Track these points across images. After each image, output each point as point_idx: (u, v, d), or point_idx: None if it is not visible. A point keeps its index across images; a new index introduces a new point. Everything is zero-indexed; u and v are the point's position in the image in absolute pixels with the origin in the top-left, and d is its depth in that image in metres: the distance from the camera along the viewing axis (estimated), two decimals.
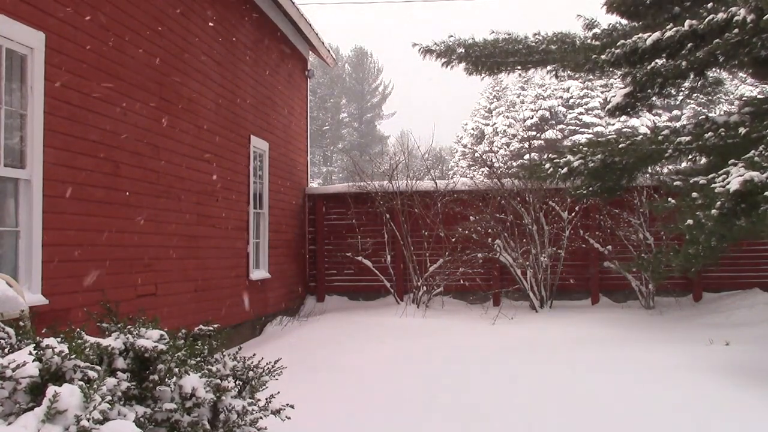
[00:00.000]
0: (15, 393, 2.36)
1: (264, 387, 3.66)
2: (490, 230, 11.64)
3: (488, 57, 10.48)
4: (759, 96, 10.83)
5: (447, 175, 14.22)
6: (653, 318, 10.37)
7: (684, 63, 8.69)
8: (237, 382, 3.40)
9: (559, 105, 38.20)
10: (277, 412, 3.41)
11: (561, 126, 36.60)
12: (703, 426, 4.94)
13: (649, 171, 10.52)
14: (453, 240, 11.74)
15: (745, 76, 12.44)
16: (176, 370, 2.95)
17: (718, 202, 6.54)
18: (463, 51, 10.54)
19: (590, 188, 10.00)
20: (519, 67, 10.93)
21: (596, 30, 10.19)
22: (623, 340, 8.48)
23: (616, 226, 11.54)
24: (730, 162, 6.89)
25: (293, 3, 10.49)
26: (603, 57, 9.24)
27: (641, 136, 9.36)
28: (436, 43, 10.70)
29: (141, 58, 6.70)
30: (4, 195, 4.94)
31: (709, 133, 8.47)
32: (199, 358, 3.32)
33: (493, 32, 10.67)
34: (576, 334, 9.00)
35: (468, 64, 10.72)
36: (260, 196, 10.22)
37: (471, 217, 11.70)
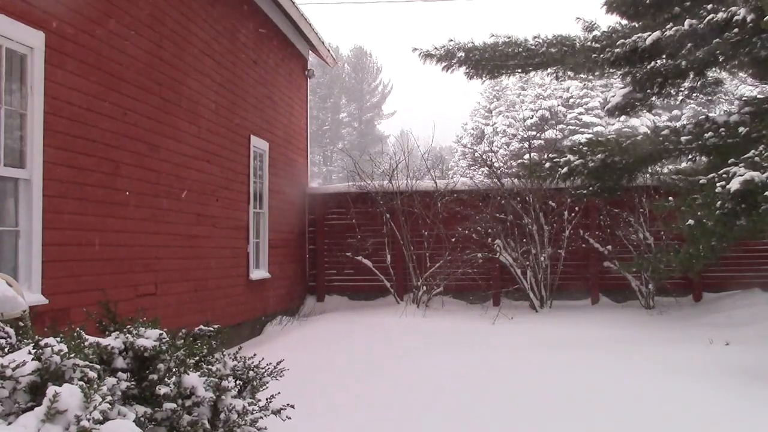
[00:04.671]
0: (15, 393, 2.36)
1: (265, 387, 3.65)
2: (490, 230, 11.64)
3: (488, 60, 10.47)
4: (759, 96, 10.83)
5: (447, 175, 14.18)
6: (653, 318, 10.38)
7: (684, 63, 8.70)
8: (237, 382, 3.40)
9: (559, 105, 38.19)
10: (277, 412, 3.41)
11: (561, 126, 36.59)
12: (702, 426, 4.94)
13: (649, 171, 10.52)
14: (453, 240, 11.74)
15: (745, 76, 12.45)
16: (176, 369, 2.95)
17: (719, 202, 6.54)
18: (463, 55, 10.52)
19: (590, 188, 10.00)
20: (519, 70, 10.92)
21: (596, 32, 10.19)
22: (623, 340, 8.48)
23: (616, 226, 11.54)
24: (730, 162, 6.90)
25: (293, 3, 10.49)
26: (603, 56, 9.25)
27: (641, 136, 9.38)
28: (436, 48, 10.69)
29: (141, 58, 6.69)
30: (4, 195, 4.94)
31: (709, 133, 8.48)
32: (198, 358, 3.31)
33: (493, 35, 10.66)
34: (576, 334, 9.00)
35: (468, 68, 10.71)
36: (260, 196, 10.22)
37: (471, 215, 11.69)
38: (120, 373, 2.85)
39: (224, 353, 3.52)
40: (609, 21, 10.58)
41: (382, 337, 8.95)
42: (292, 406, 3.50)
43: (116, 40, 6.23)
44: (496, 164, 13.41)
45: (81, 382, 2.39)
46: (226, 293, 8.78)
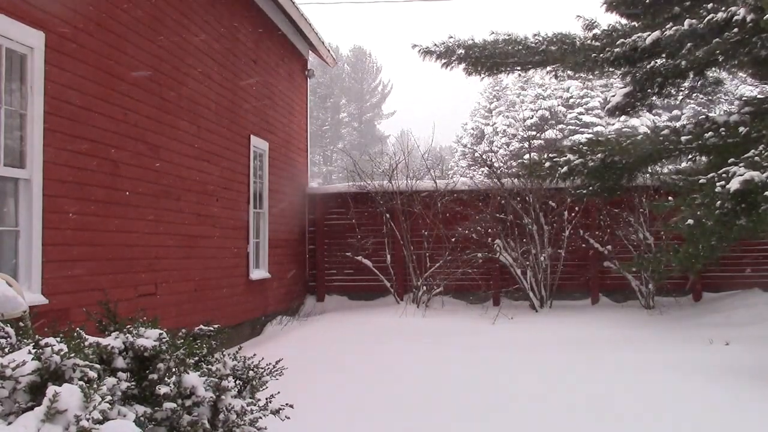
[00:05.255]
0: (15, 392, 2.36)
1: (264, 387, 3.66)
2: (490, 230, 11.63)
3: (488, 58, 10.45)
4: (759, 96, 10.82)
5: (447, 175, 14.19)
6: (653, 318, 10.38)
7: (684, 62, 8.69)
8: (237, 382, 3.40)
9: (559, 105, 38.19)
10: (276, 412, 3.41)
11: (561, 126, 36.58)
12: (701, 425, 4.94)
13: (649, 171, 10.51)
14: (453, 240, 11.74)
15: (745, 76, 12.46)
16: (176, 369, 2.95)
17: (719, 202, 6.54)
18: (463, 52, 10.51)
19: (590, 188, 10.00)
20: (519, 68, 10.90)
21: (596, 31, 10.18)
22: (623, 340, 8.49)
23: (616, 226, 11.53)
24: (730, 161, 6.90)
25: (293, 3, 10.49)
26: (602, 55, 9.24)
27: (641, 136, 9.37)
28: (435, 44, 10.68)
29: (141, 58, 6.69)
30: (4, 195, 4.94)
31: (709, 133, 8.48)
32: (198, 358, 3.32)
33: (493, 33, 10.65)
34: (576, 334, 9.00)
35: (467, 65, 10.69)
36: (260, 196, 10.22)
37: (471, 215, 11.69)
38: (120, 373, 2.86)
39: (224, 353, 3.52)
40: (609, 20, 10.55)
41: (382, 337, 8.95)
42: (291, 406, 3.50)
43: (116, 40, 6.23)
44: (496, 164, 13.41)
45: (81, 382, 2.39)
46: (226, 293, 8.78)
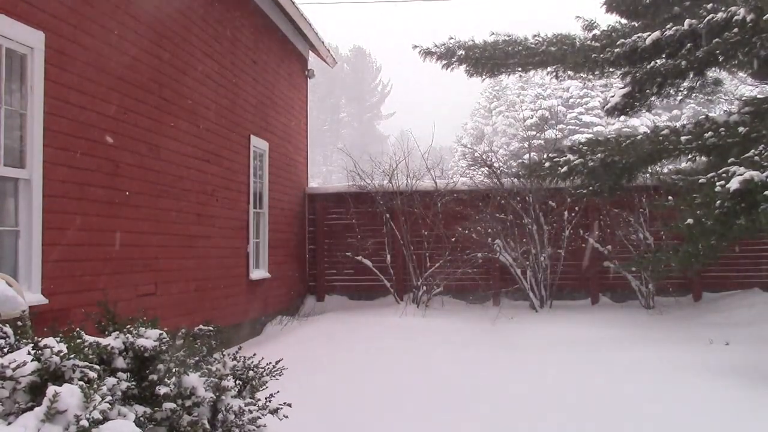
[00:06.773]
0: (15, 393, 2.37)
1: (264, 387, 3.66)
2: (490, 230, 11.63)
3: (488, 59, 10.49)
4: (759, 96, 10.83)
5: (447, 175, 14.17)
6: (653, 318, 10.37)
7: (683, 62, 8.69)
8: (237, 382, 3.40)
9: (559, 105, 38.17)
10: (275, 412, 3.42)
11: (561, 126, 36.56)
12: (701, 425, 4.94)
13: (649, 171, 10.51)
14: (453, 240, 11.73)
15: (745, 76, 12.46)
16: (175, 369, 2.95)
17: (718, 201, 6.54)
18: (463, 53, 10.54)
19: (590, 188, 10.00)
20: (519, 69, 10.94)
21: (596, 31, 10.20)
22: (623, 340, 8.48)
23: (616, 226, 11.53)
24: (730, 161, 6.90)
25: (293, 3, 10.49)
26: (602, 56, 9.25)
27: (641, 136, 9.38)
28: (436, 45, 10.71)
29: (141, 58, 6.70)
30: (4, 195, 4.94)
31: (709, 133, 8.48)
32: (198, 358, 3.32)
33: (493, 34, 10.67)
34: (576, 334, 9.00)
35: (468, 66, 10.73)
36: (260, 196, 10.22)
37: (471, 215, 11.68)
38: (120, 373, 2.86)
39: (224, 353, 3.53)
40: (609, 20, 10.55)
41: (382, 336, 8.95)
42: (290, 405, 3.51)
43: (116, 40, 6.23)
44: (496, 164, 13.39)
45: (81, 383, 2.39)
46: (226, 293, 8.78)
